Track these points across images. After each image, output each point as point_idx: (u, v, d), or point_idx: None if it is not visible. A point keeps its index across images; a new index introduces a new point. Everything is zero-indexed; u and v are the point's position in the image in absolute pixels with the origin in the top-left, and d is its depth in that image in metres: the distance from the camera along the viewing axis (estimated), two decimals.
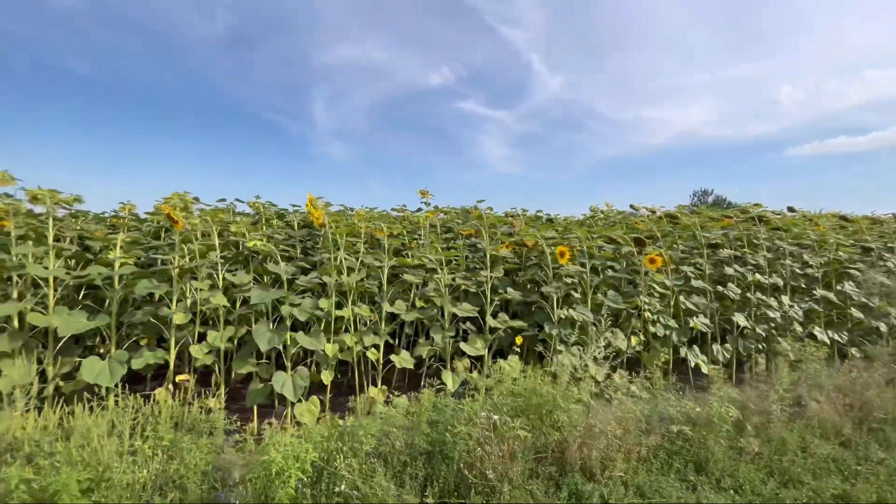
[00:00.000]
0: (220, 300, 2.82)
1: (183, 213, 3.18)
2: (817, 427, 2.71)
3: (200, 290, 2.87)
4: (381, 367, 3.17)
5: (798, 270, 4.49)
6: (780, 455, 2.45)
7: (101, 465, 1.81)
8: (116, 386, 2.40)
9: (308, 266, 3.58)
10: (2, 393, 2.22)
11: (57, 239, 3.12)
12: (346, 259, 3.25)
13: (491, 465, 2.08)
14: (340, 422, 2.33)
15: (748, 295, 4.12)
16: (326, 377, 2.92)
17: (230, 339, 3.04)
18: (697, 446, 2.43)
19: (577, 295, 3.58)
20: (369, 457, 2.10)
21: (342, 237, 3.34)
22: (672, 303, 3.83)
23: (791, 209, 5.68)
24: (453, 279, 3.49)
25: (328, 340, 2.98)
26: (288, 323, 2.92)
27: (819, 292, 4.39)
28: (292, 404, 2.76)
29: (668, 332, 3.68)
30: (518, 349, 3.43)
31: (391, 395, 2.78)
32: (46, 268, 2.66)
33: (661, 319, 3.69)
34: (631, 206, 5.65)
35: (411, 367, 3.16)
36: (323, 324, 3.06)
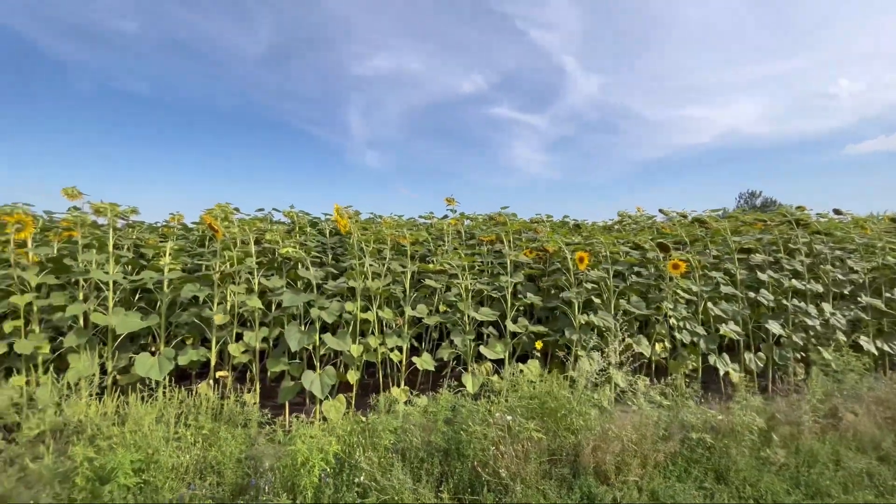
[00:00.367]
0: (255, 303, 3.05)
1: (224, 222, 3.45)
2: (853, 440, 2.59)
3: (238, 293, 3.11)
4: (404, 368, 3.30)
5: (841, 277, 4.26)
6: (809, 467, 2.36)
7: (150, 448, 2.03)
8: (165, 380, 2.65)
9: (338, 272, 3.78)
10: (70, 383, 2.51)
11: (116, 247, 3.46)
12: (372, 265, 3.41)
13: (504, 465, 2.15)
14: (363, 418, 2.47)
15: (784, 302, 3.95)
16: (352, 377, 3.08)
17: (264, 340, 3.26)
18: (719, 455, 2.39)
19: (599, 300, 3.58)
20: (388, 451, 2.22)
21: (369, 244, 3.51)
22: (700, 309, 3.75)
23: (837, 212, 5.39)
24: (475, 284, 3.58)
25: (354, 342, 3.14)
26: (317, 325, 3.11)
27: (865, 299, 4.15)
28: (320, 401, 2.93)
29: (695, 339, 3.60)
30: (539, 354, 3.46)
31: (412, 395, 2.89)
32: (107, 273, 2.97)
33: (688, 326, 3.61)
34: (660, 211, 5.55)
35: (433, 368, 3.26)
36: (350, 326, 3.22)
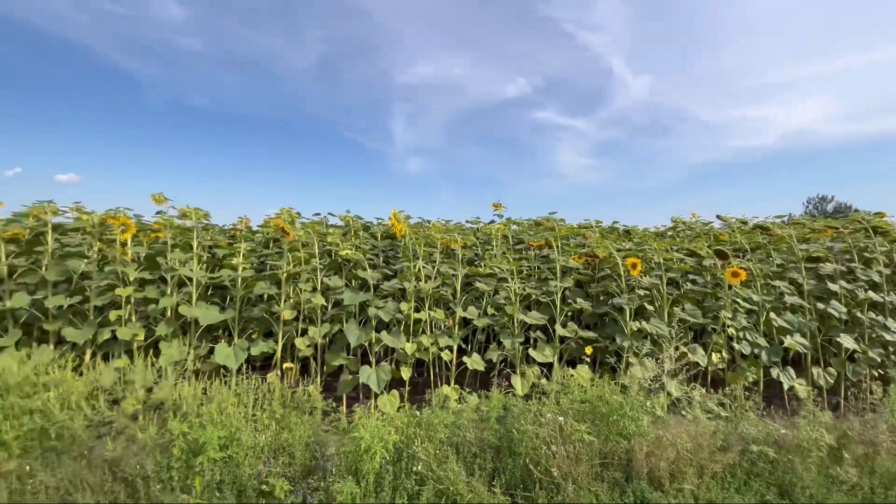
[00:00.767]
0: (319, 300, 3.28)
1: (290, 225, 3.73)
2: None
3: (305, 291, 3.36)
4: (454, 367, 3.42)
5: None
6: (886, 489, 2.23)
7: (232, 427, 2.26)
8: (242, 367, 2.92)
9: (390, 273, 3.97)
10: (162, 367, 2.83)
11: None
12: (423, 267, 3.56)
13: (556, 464, 2.20)
14: (417, 412, 2.60)
15: (859, 315, 3.69)
16: (405, 373, 3.23)
17: (325, 335, 3.49)
18: (782, 470, 2.31)
19: (651, 308, 3.52)
20: (443, 444, 2.34)
21: (420, 247, 3.67)
22: (762, 320, 3.58)
23: None
24: (523, 288, 3.63)
25: (407, 340, 3.29)
26: (373, 323, 3.30)
27: None
28: (376, 395, 3.10)
29: (756, 351, 3.45)
30: (588, 359, 3.46)
31: (463, 393, 3.00)
32: (192, 270, 3.32)
33: (748, 337, 3.47)
34: (718, 217, 5.33)
35: (482, 369, 3.35)
36: (402, 325, 3.38)
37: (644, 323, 3.35)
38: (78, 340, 3.02)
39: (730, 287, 3.58)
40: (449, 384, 3.33)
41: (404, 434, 2.39)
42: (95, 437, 2.36)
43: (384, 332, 3.31)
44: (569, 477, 2.16)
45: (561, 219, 5.38)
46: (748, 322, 3.53)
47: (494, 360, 3.43)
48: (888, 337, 3.59)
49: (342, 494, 2.01)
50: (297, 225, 4.23)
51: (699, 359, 3.34)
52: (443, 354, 3.36)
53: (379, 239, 4.89)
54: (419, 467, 2.20)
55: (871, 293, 3.71)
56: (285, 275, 3.42)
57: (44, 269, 3.29)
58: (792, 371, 3.50)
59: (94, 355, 3.19)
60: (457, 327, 3.52)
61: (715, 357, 3.50)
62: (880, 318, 3.70)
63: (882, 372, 3.63)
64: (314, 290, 3.46)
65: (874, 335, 3.66)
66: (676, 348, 3.15)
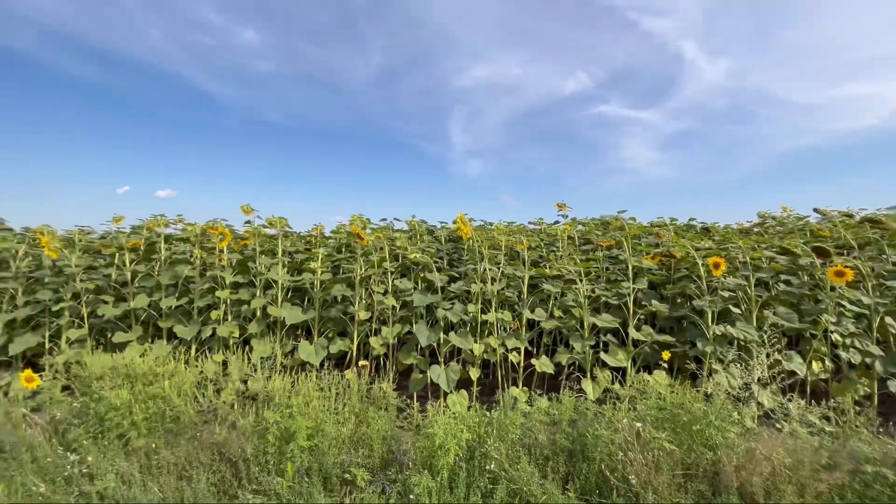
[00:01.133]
0: (391, 302, 3.44)
1: (363, 231, 3.95)
2: None
3: (376, 292, 3.54)
4: (521, 369, 3.41)
5: None
6: None
7: (317, 419, 2.45)
8: (325, 363, 3.15)
9: (454, 275, 4.05)
10: (254, 362, 3.14)
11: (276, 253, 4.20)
12: (488, 270, 3.60)
13: (634, 471, 2.12)
14: (488, 412, 2.64)
15: None
16: (473, 373, 3.28)
17: (396, 336, 3.65)
18: None
19: (737, 311, 3.26)
20: (515, 445, 2.35)
21: (485, 250, 3.71)
22: (874, 325, 3.17)
23: None
24: (592, 290, 3.53)
25: (474, 341, 3.35)
26: (441, 324, 3.39)
27: None
28: (445, 394, 3.18)
29: (868, 360, 3.06)
30: (665, 365, 3.28)
31: (532, 395, 2.98)
32: (277, 274, 3.64)
33: (857, 344, 3.09)
34: (815, 211, 4.80)
35: (551, 371, 3.31)
36: (469, 327, 3.44)
37: (729, 327, 3.11)
38: (186, 336, 3.44)
39: (832, 288, 3.21)
40: (517, 386, 3.33)
41: (476, 433, 2.44)
42: (203, 421, 2.68)
43: (452, 333, 3.39)
44: (648, 486, 2.07)
45: (631, 217, 5.15)
46: (857, 328, 3.14)
47: (563, 363, 3.37)
48: None
49: (419, 487, 2.10)
50: (367, 230, 4.46)
51: (796, 367, 3.03)
52: (510, 356, 3.37)
53: (443, 242, 5.01)
54: (492, 466, 2.23)
55: None
56: (359, 278, 3.63)
57: (158, 274, 3.78)
58: None
59: (198, 350, 3.61)
60: (523, 329, 3.51)
61: (816, 366, 3.16)
62: None
63: None
64: (386, 292, 3.63)
65: None
66: (768, 355, 2.89)
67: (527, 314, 3.47)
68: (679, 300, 3.79)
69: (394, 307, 3.56)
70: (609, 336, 3.59)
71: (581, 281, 3.51)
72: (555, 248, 4.53)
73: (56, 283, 3.71)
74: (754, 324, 3.18)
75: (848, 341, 3.10)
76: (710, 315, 3.18)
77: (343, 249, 5.00)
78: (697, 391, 2.57)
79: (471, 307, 3.40)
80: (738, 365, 2.89)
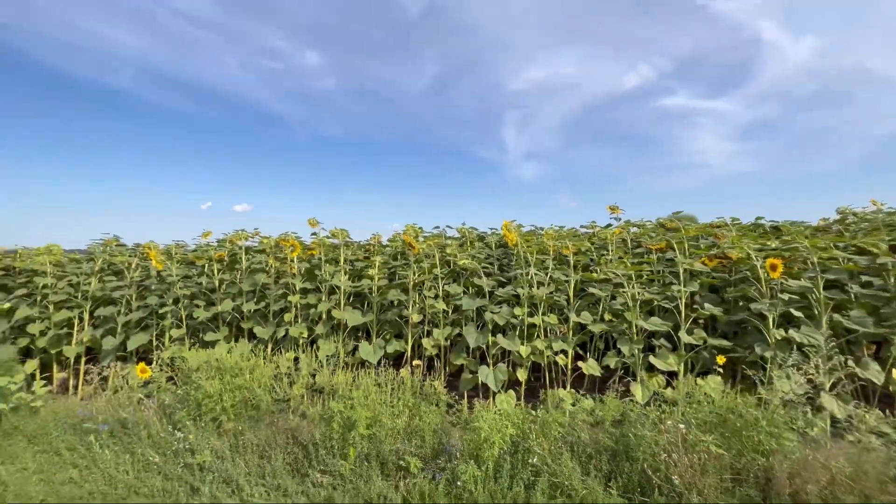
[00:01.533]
0: (441, 305, 3.67)
1: (415, 240, 4.23)
2: None
3: (428, 297, 3.79)
4: (569, 372, 3.47)
5: None
6: None
7: (375, 410, 2.72)
8: (383, 362, 3.44)
9: (504, 280, 4.19)
10: (321, 360, 3.51)
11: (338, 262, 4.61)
12: (536, 274, 3.70)
13: (678, 472, 2.14)
14: (532, 411, 2.76)
15: None
16: (521, 375, 3.40)
17: (447, 337, 3.87)
18: None
19: (798, 314, 3.08)
20: (557, 442, 2.45)
21: (533, 255, 3.81)
22: None
23: None
24: (642, 293, 3.51)
25: (522, 343, 3.46)
26: (489, 327, 3.55)
27: None
28: (493, 394, 3.33)
29: None
30: (721, 370, 3.17)
31: (578, 397, 3.05)
32: (340, 280, 4.01)
33: None
34: None
35: (598, 374, 3.33)
36: (517, 330, 3.57)
37: (792, 331, 2.96)
38: (264, 336, 3.90)
39: None
40: (564, 388, 3.39)
41: (520, 429, 2.57)
42: (279, 409, 3.06)
43: (500, 336, 3.53)
44: (693, 487, 2.08)
45: (691, 217, 4.96)
46: None
47: (612, 367, 3.38)
48: None
49: (465, 475, 2.28)
50: (419, 239, 4.74)
51: (872, 375, 2.82)
52: (557, 358, 3.44)
53: (493, 248, 5.16)
54: (534, 460, 2.35)
55: None
56: (412, 283, 3.90)
57: (240, 281, 4.32)
58: None
59: (273, 348, 4.07)
60: (571, 332, 3.56)
61: None
62: None
63: None
64: (436, 296, 3.86)
65: None
66: (837, 361, 2.71)
67: (573, 318, 3.53)
68: (740, 303, 3.63)
69: (444, 311, 3.78)
70: (661, 340, 3.53)
71: (631, 284, 3.50)
72: (605, 252, 4.51)
73: (160, 289, 4.38)
74: (823, 328, 2.99)
75: None
76: (771, 319, 3.04)
77: (398, 257, 5.33)
78: (758, 399, 2.49)
79: (518, 310, 3.52)
80: (801, 371, 2.75)
